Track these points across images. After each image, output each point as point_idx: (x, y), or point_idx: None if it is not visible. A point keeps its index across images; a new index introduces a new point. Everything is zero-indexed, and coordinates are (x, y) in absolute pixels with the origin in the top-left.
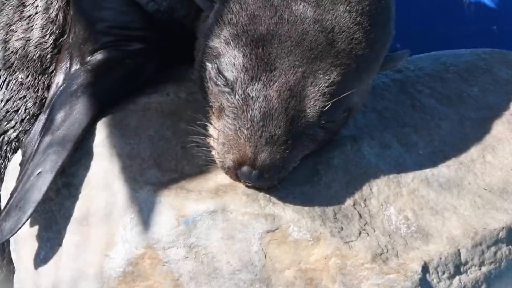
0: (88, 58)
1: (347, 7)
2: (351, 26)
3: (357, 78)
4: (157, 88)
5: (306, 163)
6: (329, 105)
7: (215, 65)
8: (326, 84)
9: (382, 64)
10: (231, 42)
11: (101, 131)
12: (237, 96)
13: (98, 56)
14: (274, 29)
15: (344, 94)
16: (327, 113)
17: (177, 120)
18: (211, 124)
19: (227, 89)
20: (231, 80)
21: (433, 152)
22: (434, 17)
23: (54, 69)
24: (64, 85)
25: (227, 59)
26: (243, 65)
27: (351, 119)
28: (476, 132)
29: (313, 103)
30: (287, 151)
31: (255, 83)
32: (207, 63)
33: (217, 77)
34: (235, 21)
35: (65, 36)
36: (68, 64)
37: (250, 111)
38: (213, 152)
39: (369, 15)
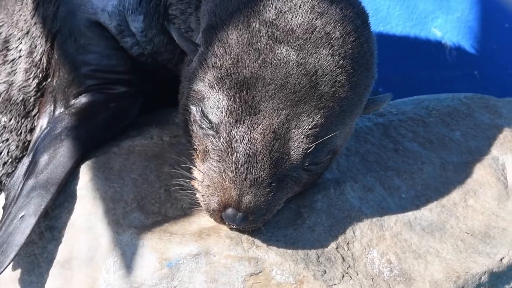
0: (72, 101)
1: (330, 51)
2: (334, 69)
3: (341, 120)
4: (141, 131)
5: (289, 206)
6: (313, 147)
7: (200, 108)
8: (309, 127)
9: (365, 107)
10: (215, 85)
11: (84, 174)
12: (221, 139)
13: (82, 99)
14: (258, 73)
15: (328, 136)
16: (311, 155)
17: (160, 163)
18: (195, 167)
19: (211, 132)
20: (216, 123)
21: (416, 196)
22: (416, 61)
23: (38, 112)
24: (48, 128)
25: (211, 102)
26: (227, 108)
27: (334, 162)
28: (458, 176)
29: (297, 145)
30: (272, 193)
31: (239, 126)
32: (192, 106)
33: (202, 120)
34: (219, 65)
35: (49, 80)
36: (52, 107)
37: (235, 154)
38: (198, 195)
39: (352, 59)
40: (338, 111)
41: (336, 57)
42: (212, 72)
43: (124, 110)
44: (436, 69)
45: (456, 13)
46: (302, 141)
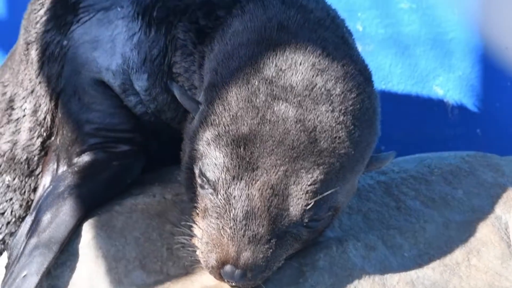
0: (75, 160)
1: (330, 107)
2: (334, 125)
3: (341, 177)
4: (143, 189)
5: (291, 263)
6: (312, 203)
7: (198, 166)
8: (309, 183)
9: (367, 165)
10: (212, 142)
11: (87, 232)
12: (219, 196)
13: (85, 157)
14: (256, 129)
15: (328, 192)
16: (310, 211)
17: (163, 222)
18: (196, 224)
19: (210, 190)
20: (213, 180)
21: (419, 255)
22: (418, 119)
23: (41, 170)
24: (51, 186)
25: (208, 159)
26: (224, 165)
27: (337, 220)
28: (461, 235)
29: (296, 202)
30: (271, 250)
31: (237, 183)
32: (192, 165)
33: (201, 178)
34: (217, 122)
35: (53, 138)
36: (55, 166)
37: (233, 210)
38: (198, 252)
39: (353, 115)
40: (338, 167)
41: (336, 113)
42: (210, 130)
43: (127, 169)
44: (438, 127)
45: (458, 71)
46: (301, 197)
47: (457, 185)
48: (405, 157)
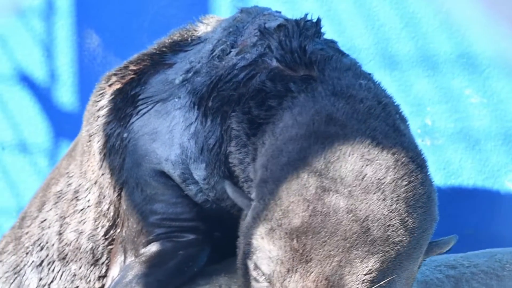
0: (142, 250)
1: (381, 195)
2: (386, 213)
3: (398, 265)
4: (209, 279)
5: None
6: None
7: (253, 261)
8: (364, 272)
9: (427, 251)
10: (265, 236)
11: None
12: None
13: (152, 248)
14: (308, 221)
15: (384, 281)
16: None
17: None
18: None
19: (265, 283)
20: (268, 273)
21: None
22: (489, 215)
23: (109, 262)
24: (118, 276)
25: (262, 253)
26: (278, 258)
27: None
28: None
29: None
30: None
31: (291, 275)
32: (247, 260)
33: (256, 271)
34: (269, 217)
35: (118, 230)
36: (122, 258)
37: None
38: None
39: (405, 202)
40: (393, 255)
41: (388, 201)
42: (263, 224)
43: (192, 258)
44: (509, 222)
45: None
46: (357, 287)
47: None
48: (475, 251)
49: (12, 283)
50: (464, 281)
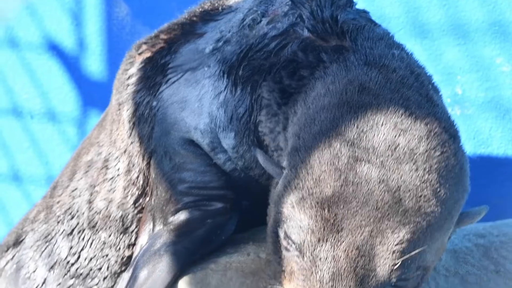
0: (171, 219)
1: (413, 166)
2: (418, 184)
3: (429, 235)
4: (237, 247)
5: None
6: (400, 263)
7: (283, 230)
8: (395, 243)
9: (457, 221)
10: (296, 205)
11: None
12: (305, 258)
13: (181, 216)
14: (339, 191)
15: (415, 252)
16: (398, 271)
17: (257, 280)
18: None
19: (296, 253)
20: (298, 243)
21: None
22: None
23: (138, 230)
24: (147, 244)
25: (293, 222)
26: (309, 227)
27: (433, 282)
28: None
29: (383, 262)
30: None
31: (322, 244)
32: (277, 229)
33: (286, 241)
34: (301, 186)
35: (147, 198)
36: (151, 226)
37: (319, 272)
38: None
39: (438, 173)
40: (425, 226)
41: (420, 172)
42: (294, 193)
43: (221, 226)
44: None
45: None
46: (388, 257)
47: None
48: (504, 220)
49: (43, 251)
50: (493, 249)
